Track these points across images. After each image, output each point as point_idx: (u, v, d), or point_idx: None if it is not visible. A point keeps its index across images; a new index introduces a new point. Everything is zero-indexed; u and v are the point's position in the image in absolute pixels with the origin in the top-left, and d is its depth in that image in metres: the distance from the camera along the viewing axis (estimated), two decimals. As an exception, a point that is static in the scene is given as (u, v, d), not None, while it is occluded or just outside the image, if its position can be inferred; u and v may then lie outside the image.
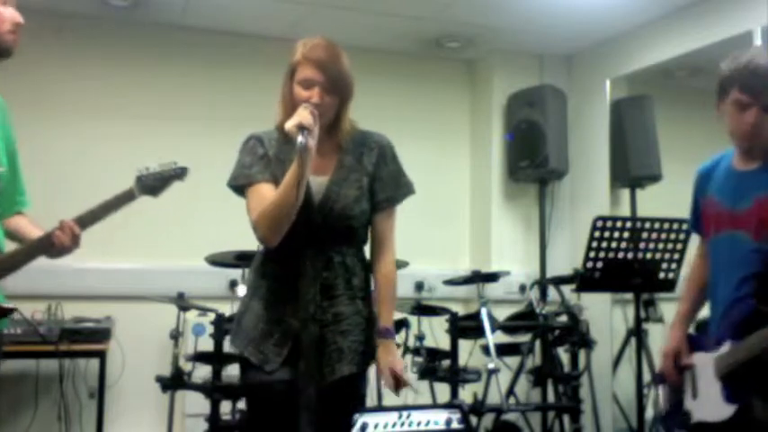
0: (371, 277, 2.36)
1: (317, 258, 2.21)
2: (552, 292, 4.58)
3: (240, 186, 2.28)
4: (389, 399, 4.06)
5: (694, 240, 3.59)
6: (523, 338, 4.35)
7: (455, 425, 3.53)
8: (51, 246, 2.58)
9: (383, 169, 2.35)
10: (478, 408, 3.85)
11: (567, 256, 4.98)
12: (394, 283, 2.36)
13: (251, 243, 2.43)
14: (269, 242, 2.19)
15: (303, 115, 2.10)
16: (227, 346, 3.11)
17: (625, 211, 4.63)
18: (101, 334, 3.96)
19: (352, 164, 2.31)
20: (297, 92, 2.22)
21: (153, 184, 2.76)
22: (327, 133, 2.28)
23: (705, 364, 2.44)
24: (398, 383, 2.34)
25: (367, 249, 2.42)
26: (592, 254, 3.52)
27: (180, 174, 2.75)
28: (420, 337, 4.13)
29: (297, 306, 2.19)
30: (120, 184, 4.81)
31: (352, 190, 2.27)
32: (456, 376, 3.91)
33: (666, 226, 3.54)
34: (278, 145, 2.28)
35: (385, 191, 2.34)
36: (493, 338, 3.85)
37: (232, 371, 3.62)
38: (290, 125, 2.10)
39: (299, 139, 2.06)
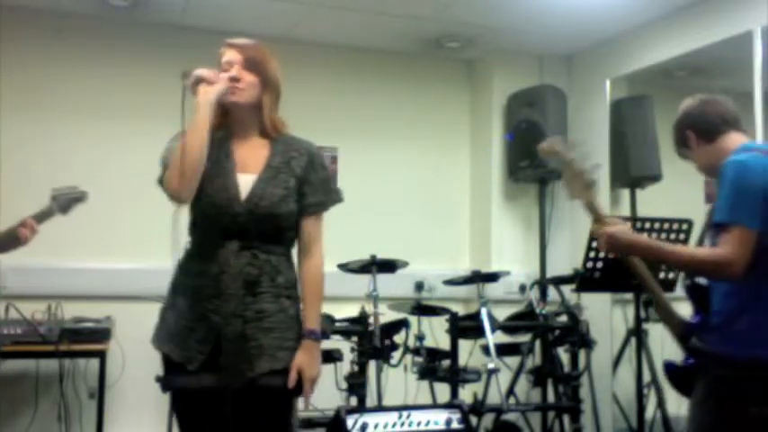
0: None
1: (240, 254, 2.21)
2: (552, 292, 4.59)
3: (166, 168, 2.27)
4: (389, 399, 4.06)
5: (694, 240, 3.59)
6: (523, 338, 4.35)
7: (455, 425, 3.55)
8: (17, 240, 3.10)
9: (312, 174, 2.34)
10: (478, 408, 3.85)
11: (567, 256, 4.97)
12: (320, 285, 2.34)
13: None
14: (177, 190, 2.19)
15: (200, 70, 2.25)
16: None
17: (625, 211, 4.63)
18: (101, 334, 3.96)
19: (280, 165, 2.30)
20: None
21: (65, 204, 3.28)
22: (260, 127, 2.32)
23: None
24: (299, 389, 2.24)
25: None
26: (592, 254, 3.51)
27: (82, 198, 3.33)
28: (420, 337, 4.13)
29: (219, 302, 2.19)
30: (119, 184, 4.82)
31: (278, 189, 2.27)
32: (456, 376, 3.92)
33: (666, 226, 3.53)
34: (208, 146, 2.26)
35: (315, 195, 2.34)
36: (493, 338, 3.85)
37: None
38: (190, 78, 2.22)
39: (190, 79, 2.21)
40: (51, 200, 3.24)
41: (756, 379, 2.21)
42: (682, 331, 2.45)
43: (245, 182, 2.25)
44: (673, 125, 2.57)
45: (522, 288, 4.91)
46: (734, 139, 2.43)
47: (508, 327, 4.32)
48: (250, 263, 2.21)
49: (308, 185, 2.32)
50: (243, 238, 2.21)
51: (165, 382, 2.26)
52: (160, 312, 2.33)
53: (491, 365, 3.74)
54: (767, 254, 2.19)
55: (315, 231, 2.36)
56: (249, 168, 2.28)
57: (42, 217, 3.21)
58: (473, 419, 3.71)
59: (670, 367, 2.52)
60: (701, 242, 2.35)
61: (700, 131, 2.47)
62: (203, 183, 2.22)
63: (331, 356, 3.87)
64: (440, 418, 3.54)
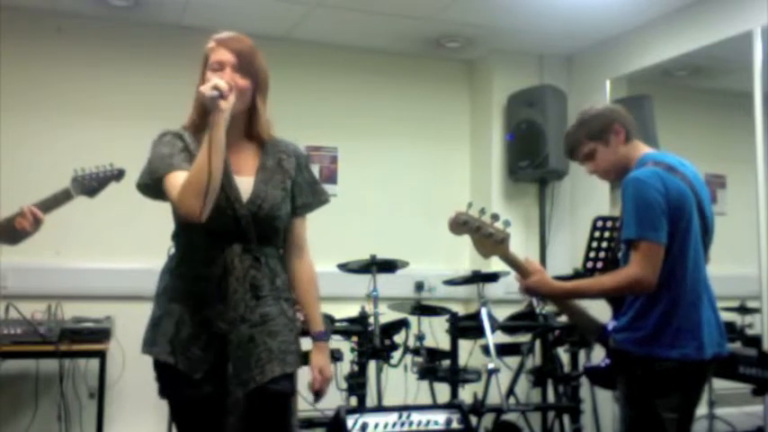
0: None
1: (244, 257, 2.16)
2: (552, 292, 4.58)
3: (158, 179, 2.16)
4: (389, 399, 4.06)
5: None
6: (523, 338, 4.35)
7: (455, 425, 3.55)
8: (15, 231, 2.73)
9: (300, 176, 2.33)
10: (478, 408, 3.85)
11: (567, 256, 4.97)
12: (317, 285, 2.38)
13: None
14: (195, 213, 2.02)
15: (217, 80, 2.07)
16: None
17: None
18: (101, 334, 3.96)
19: (274, 166, 2.28)
20: (208, 77, 2.14)
21: (89, 184, 2.91)
22: (245, 128, 2.25)
23: None
24: (320, 389, 2.33)
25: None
26: (592, 254, 3.52)
27: (116, 175, 2.95)
28: (420, 337, 4.13)
29: (223, 307, 2.14)
30: (118, 184, 4.81)
31: (278, 191, 2.25)
32: (456, 376, 3.92)
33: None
34: (194, 142, 2.19)
35: (302, 197, 2.33)
36: (493, 338, 3.85)
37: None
38: (204, 87, 2.06)
39: (213, 92, 2.02)
40: (71, 181, 2.87)
41: (659, 377, 2.37)
42: (600, 335, 2.59)
43: (243, 184, 2.21)
44: (593, 117, 2.59)
45: (523, 288, 4.90)
46: (641, 147, 2.58)
47: (508, 327, 4.32)
48: (252, 266, 2.18)
49: (297, 187, 2.32)
50: (245, 240, 2.17)
51: (170, 393, 2.20)
52: (152, 319, 2.25)
53: (491, 365, 3.73)
54: (666, 262, 2.35)
55: (304, 232, 2.37)
56: (243, 171, 2.23)
57: (52, 202, 2.81)
58: (473, 419, 3.71)
59: (588, 369, 2.76)
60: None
61: (627, 129, 2.56)
62: None
63: (331, 356, 3.86)
64: (440, 418, 3.55)
